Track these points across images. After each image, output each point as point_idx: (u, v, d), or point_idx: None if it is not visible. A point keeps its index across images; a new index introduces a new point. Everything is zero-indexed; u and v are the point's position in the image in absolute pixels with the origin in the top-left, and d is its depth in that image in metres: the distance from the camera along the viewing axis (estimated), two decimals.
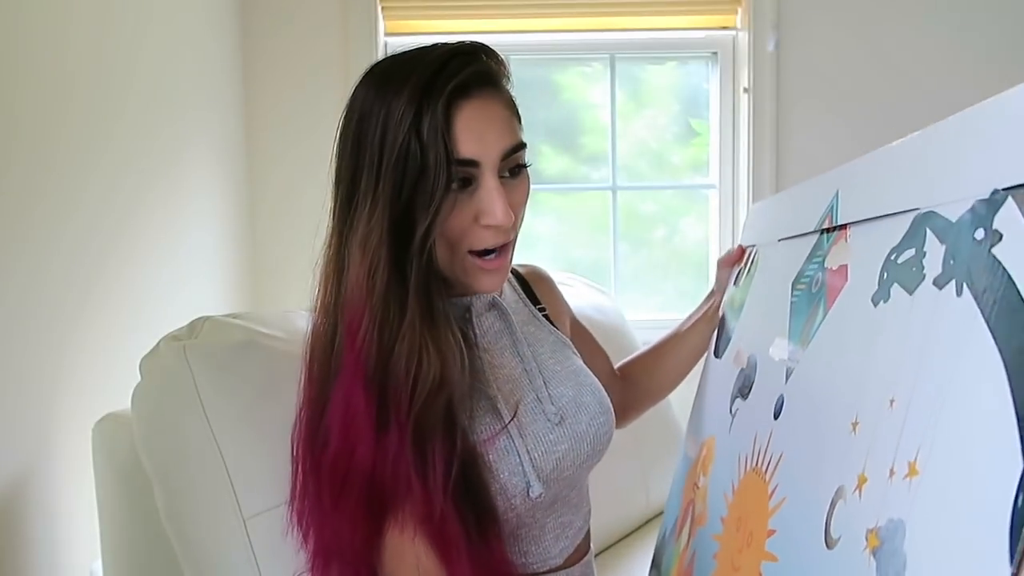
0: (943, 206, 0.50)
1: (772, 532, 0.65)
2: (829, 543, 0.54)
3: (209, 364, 0.90)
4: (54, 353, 1.19)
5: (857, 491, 0.52)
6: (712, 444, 0.91)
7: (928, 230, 0.52)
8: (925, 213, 0.53)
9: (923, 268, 0.51)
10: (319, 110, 2.10)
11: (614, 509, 1.50)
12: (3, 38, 1.07)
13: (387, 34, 2.20)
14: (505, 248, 0.82)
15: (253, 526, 0.86)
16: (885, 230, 0.59)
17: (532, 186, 0.84)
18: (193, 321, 0.96)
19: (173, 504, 0.89)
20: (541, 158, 2.28)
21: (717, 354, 1.02)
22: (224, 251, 1.96)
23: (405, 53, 0.79)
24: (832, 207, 0.72)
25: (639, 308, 2.33)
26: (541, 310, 0.98)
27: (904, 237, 0.55)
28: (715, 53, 2.29)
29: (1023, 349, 0.39)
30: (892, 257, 0.56)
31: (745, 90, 2.22)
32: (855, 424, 0.55)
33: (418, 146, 0.74)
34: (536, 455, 0.82)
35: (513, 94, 0.82)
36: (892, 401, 0.50)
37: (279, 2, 2.14)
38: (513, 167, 0.80)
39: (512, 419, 0.81)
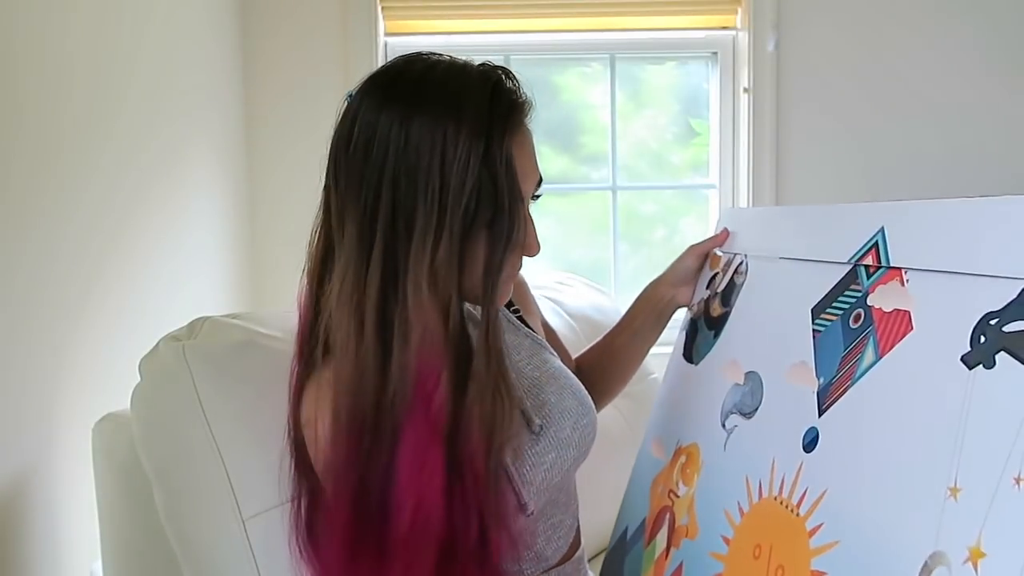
0: None
1: (821, 574, 0.64)
2: None
3: (208, 364, 0.90)
4: (54, 353, 1.19)
5: (970, 564, 0.51)
6: (695, 453, 0.89)
7: None
8: None
9: None
10: (319, 110, 2.10)
11: (614, 506, 1.49)
12: (3, 39, 1.07)
13: (387, 34, 2.20)
14: None
15: (252, 526, 0.86)
16: (973, 290, 0.57)
17: None
18: (192, 321, 0.96)
19: (172, 504, 0.89)
20: (541, 159, 2.27)
21: (690, 359, 0.99)
22: (224, 251, 1.96)
23: (427, 73, 0.75)
24: (876, 244, 0.70)
25: None
26: (515, 312, 0.97)
27: (1011, 305, 0.54)
28: (715, 53, 2.28)
29: None
30: (992, 322, 0.55)
31: (745, 90, 2.21)
32: (954, 490, 0.53)
33: (491, 186, 0.72)
34: (524, 470, 0.80)
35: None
36: (1019, 480, 0.49)
37: (279, 2, 2.14)
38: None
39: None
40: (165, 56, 1.63)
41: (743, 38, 2.22)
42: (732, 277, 0.95)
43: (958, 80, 2.19)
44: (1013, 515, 0.49)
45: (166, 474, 0.89)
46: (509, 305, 0.98)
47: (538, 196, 0.82)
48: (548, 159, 2.30)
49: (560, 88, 2.36)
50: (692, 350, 1.00)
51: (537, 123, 0.81)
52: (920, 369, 0.61)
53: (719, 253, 1.02)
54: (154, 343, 0.94)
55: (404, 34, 2.20)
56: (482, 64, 0.77)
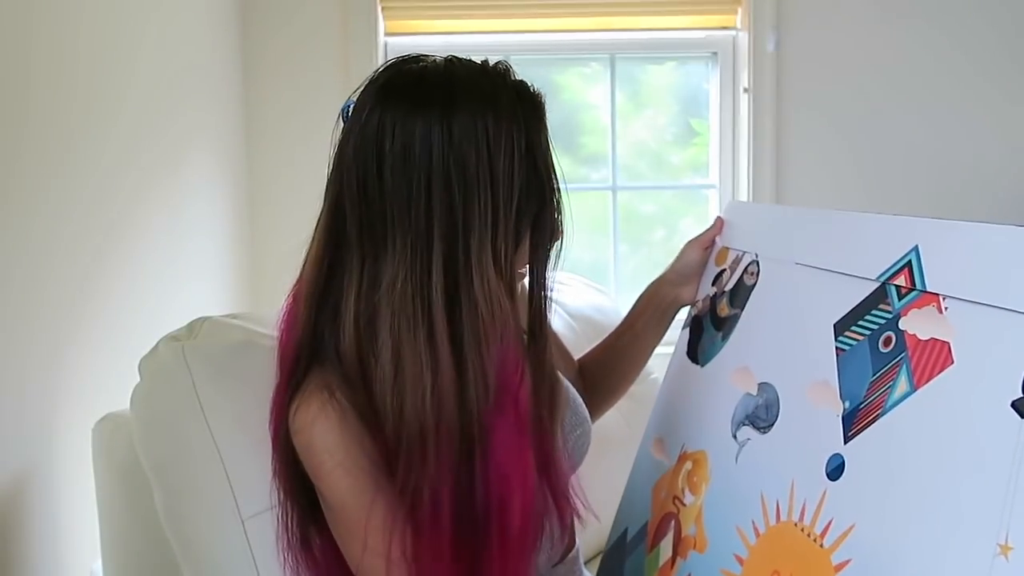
0: None
1: None
2: None
3: (208, 364, 0.90)
4: (54, 353, 1.19)
5: None
6: (702, 460, 0.87)
7: None
8: None
9: None
10: (319, 110, 2.10)
11: (613, 508, 1.49)
12: (5, 38, 1.07)
13: (387, 34, 2.20)
14: None
15: (252, 526, 0.86)
16: (1020, 332, 0.53)
17: None
18: (192, 321, 0.96)
19: (172, 504, 0.89)
20: None
21: (695, 359, 0.96)
22: (224, 251, 1.96)
23: (449, 72, 0.74)
24: (910, 263, 0.66)
25: None
26: None
27: None
28: (715, 53, 2.28)
29: None
30: None
31: (745, 90, 2.21)
32: (1005, 548, 0.50)
33: (535, 177, 0.74)
34: None
35: None
36: None
37: (279, 2, 2.14)
38: None
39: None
40: (165, 56, 1.63)
41: (743, 38, 2.22)
42: (741, 277, 0.92)
43: (958, 80, 2.19)
44: None
45: (166, 474, 0.89)
46: None
47: None
48: None
49: (560, 88, 2.36)
50: (697, 350, 0.97)
51: None
52: (963, 409, 0.57)
53: (727, 247, 0.98)
54: (154, 343, 0.94)
55: (404, 34, 2.20)
56: (483, 61, 0.78)
